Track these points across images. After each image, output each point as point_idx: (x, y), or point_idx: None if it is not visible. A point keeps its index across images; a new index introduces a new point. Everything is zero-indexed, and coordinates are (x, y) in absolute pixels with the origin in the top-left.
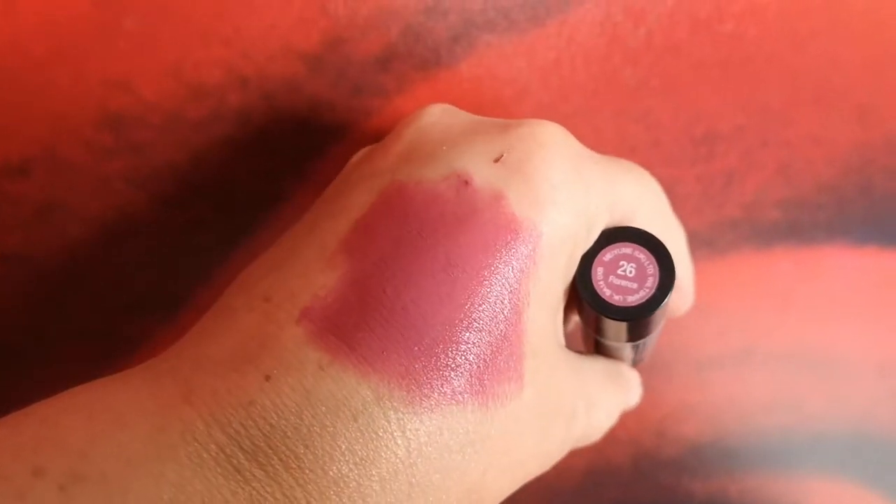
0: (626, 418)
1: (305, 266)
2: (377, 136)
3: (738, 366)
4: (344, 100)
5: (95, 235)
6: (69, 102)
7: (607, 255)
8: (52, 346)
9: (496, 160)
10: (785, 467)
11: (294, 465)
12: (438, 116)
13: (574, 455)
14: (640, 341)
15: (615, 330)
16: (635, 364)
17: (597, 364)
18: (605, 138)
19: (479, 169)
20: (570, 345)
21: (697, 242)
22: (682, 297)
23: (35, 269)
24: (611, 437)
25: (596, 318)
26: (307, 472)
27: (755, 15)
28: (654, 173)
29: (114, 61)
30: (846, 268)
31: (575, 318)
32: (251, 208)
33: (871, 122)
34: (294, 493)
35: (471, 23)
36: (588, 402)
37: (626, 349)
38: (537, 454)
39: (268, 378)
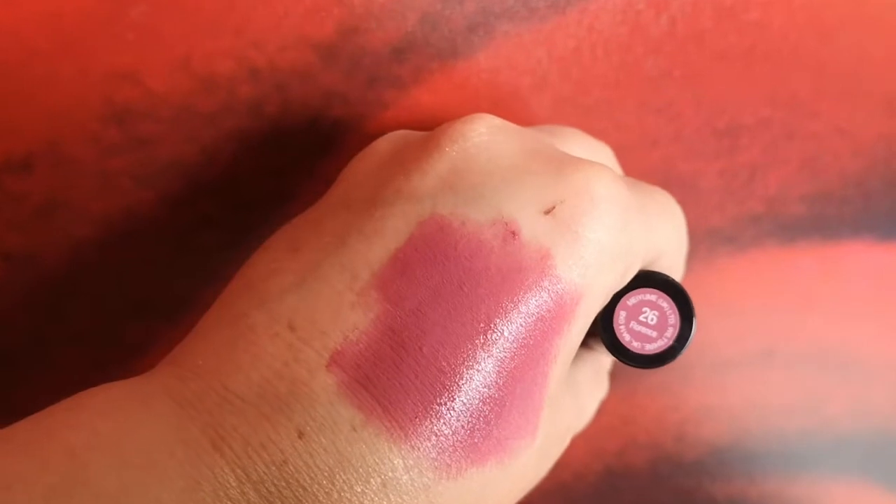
0: (645, 422)
1: (334, 295)
2: (392, 130)
3: (758, 367)
4: (358, 91)
5: (100, 234)
6: (73, 96)
7: (632, 299)
8: (53, 350)
9: (546, 212)
10: (806, 470)
11: None
12: (487, 136)
13: (593, 458)
14: None
15: None
16: None
17: (585, 368)
18: (626, 131)
19: (527, 220)
20: None
21: (719, 238)
22: None
23: (36, 270)
24: (630, 440)
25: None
26: None
27: (781, 4)
28: (675, 167)
29: (120, 53)
30: (871, 264)
31: None
32: (261, 207)
33: None
34: None
35: (489, 11)
36: (580, 413)
37: None
38: (535, 480)
39: (300, 435)
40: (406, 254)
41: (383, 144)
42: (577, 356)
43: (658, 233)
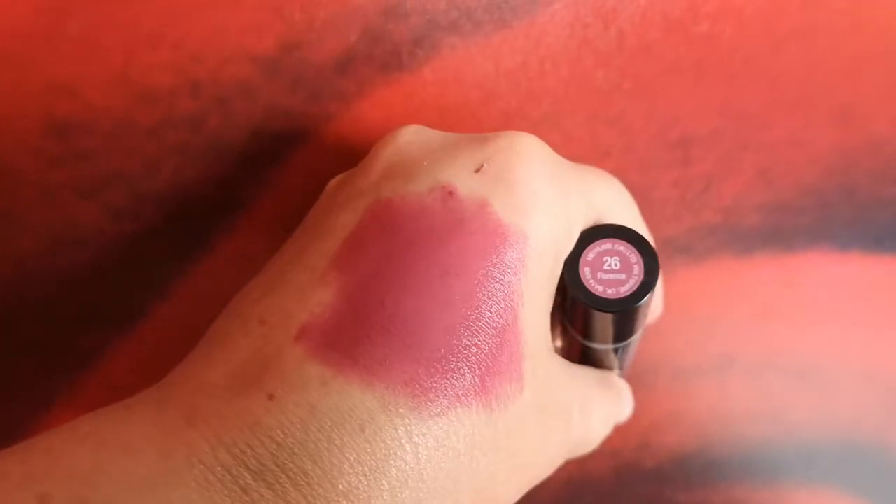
0: None
1: (298, 287)
2: (337, 142)
3: (719, 375)
4: (302, 105)
5: (44, 247)
6: (13, 109)
7: (590, 254)
8: (2, 359)
9: (477, 170)
10: (770, 478)
11: (303, 482)
12: (414, 135)
13: None
14: (624, 343)
15: (603, 330)
16: (619, 374)
17: (588, 372)
18: (576, 143)
19: (462, 180)
20: None
21: (675, 249)
22: (654, 301)
23: None
24: None
25: (584, 321)
26: (316, 487)
27: (731, 15)
28: (628, 179)
29: (59, 66)
30: (829, 274)
31: (558, 342)
32: (206, 218)
33: (854, 124)
34: None
35: (434, 24)
36: (583, 406)
37: (611, 355)
38: (540, 457)
39: (271, 397)
40: (357, 235)
41: (334, 181)
42: (583, 366)
43: (597, 192)
